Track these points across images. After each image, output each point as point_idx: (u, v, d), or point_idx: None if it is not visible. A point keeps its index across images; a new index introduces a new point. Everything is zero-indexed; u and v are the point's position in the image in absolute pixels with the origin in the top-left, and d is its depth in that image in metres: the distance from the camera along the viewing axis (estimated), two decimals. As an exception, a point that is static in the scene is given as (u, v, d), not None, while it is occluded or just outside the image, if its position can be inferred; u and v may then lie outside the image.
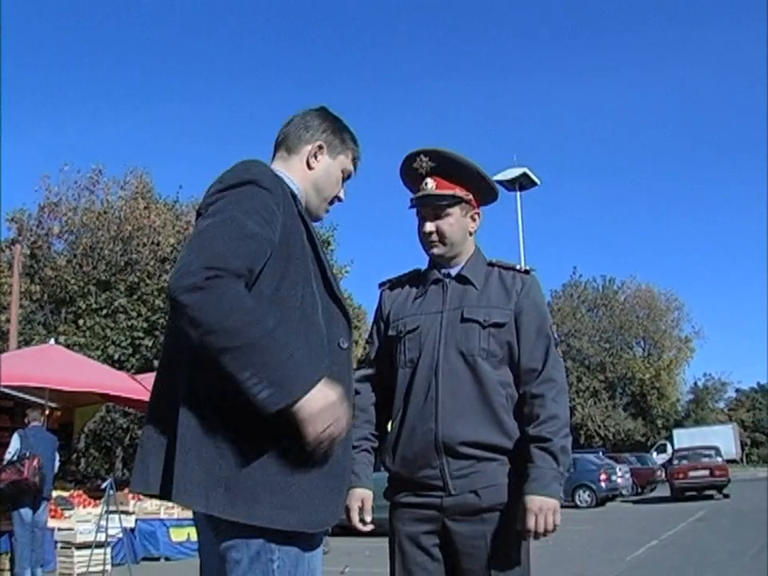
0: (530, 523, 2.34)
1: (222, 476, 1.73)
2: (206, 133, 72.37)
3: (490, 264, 2.66)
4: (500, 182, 30.88)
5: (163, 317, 22.60)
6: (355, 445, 2.51)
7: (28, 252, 24.10)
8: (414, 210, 2.65)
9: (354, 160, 2.24)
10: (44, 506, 9.43)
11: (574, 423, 43.84)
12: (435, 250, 2.61)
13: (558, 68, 78.99)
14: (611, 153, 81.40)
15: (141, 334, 22.87)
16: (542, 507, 2.34)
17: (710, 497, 22.32)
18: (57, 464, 9.98)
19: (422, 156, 2.58)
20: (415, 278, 2.71)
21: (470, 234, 2.66)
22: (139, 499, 12.29)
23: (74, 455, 20.01)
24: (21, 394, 12.20)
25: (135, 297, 23.70)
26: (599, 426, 46.42)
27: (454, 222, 2.59)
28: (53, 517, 10.40)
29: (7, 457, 9.08)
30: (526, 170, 32.54)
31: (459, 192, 2.58)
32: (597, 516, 18.73)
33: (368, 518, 2.51)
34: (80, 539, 10.19)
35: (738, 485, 24.92)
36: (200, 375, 1.77)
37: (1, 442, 10.75)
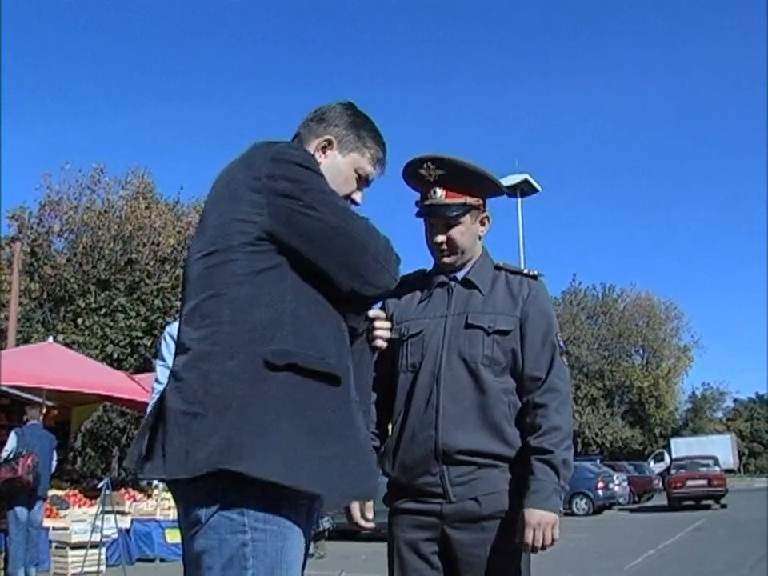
0: (529, 537, 2.32)
1: (279, 443, 1.70)
2: (208, 133, 72.49)
3: (497, 268, 2.61)
4: (501, 188, 30.86)
5: (162, 317, 22.62)
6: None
7: (28, 250, 24.08)
8: (419, 215, 2.60)
9: (376, 161, 2.10)
10: (39, 505, 9.40)
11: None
12: (446, 260, 2.57)
13: (560, 73, 79.18)
14: (613, 160, 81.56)
15: (140, 334, 22.84)
16: (540, 521, 2.32)
17: (708, 507, 22.31)
18: (54, 463, 9.95)
19: (429, 163, 2.51)
20: (420, 279, 2.66)
21: (479, 238, 2.63)
22: (135, 500, 12.26)
23: (71, 454, 19.98)
24: (18, 392, 12.16)
25: (135, 296, 23.67)
26: (597, 434, 46.37)
27: (465, 231, 2.54)
28: (48, 516, 10.37)
29: (3, 455, 9.04)
30: (527, 176, 32.56)
31: (469, 200, 2.53)
32: (594, 524, 18.69)
33: (369, 515, 2.49)
34: (75, 539, 10.15)
35: (735, 495, 24.91)
36: (244, 348, 1.74)
37: (-2, 439, 10.71)
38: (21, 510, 9.08)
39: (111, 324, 23.06)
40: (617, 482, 24.70)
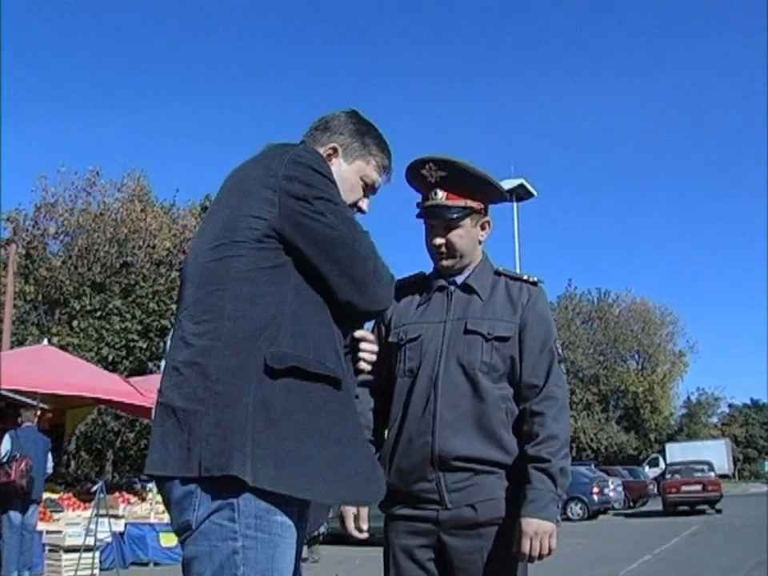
0: (526, 547, 2.30)
1: (271, 448, 1.68)
2: (204, 136, 72.40)
3: (497, 273, 2.60)
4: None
5: (157, 320, 22.59)
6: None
7: (23, 252, 24.04)
8: (420, 216, 2.59)
9: (381, 169, 2.10)
10: (33, 509, 9.38)
11: (567, 435, 43.67)
12: (444, 262, 2.55)
13: (557, 77, 79.32)
14: (609, 165, 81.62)
15: (135, 337, 22.80)
16: (537, 531, 2.30)
17: (702, 512, 22.36)
18: (51, 465, 9.93)
19: (431, 164, 2.50)
20: (419, 283, 2.64)
21: (480, 242, 2.61)
22: (129, 503, 12.23)
23: (65, 457, 19.92)
24: (13, 395, 12.12)
25: (130, 299, 23.64)
26: (592, 439, 46.37)
27: (465, 234, 2.52)
28: (41, 519, 10.32)
29: (-3, 459, 9.01)
30: (523, 180, 32.59)
31: (470, 203, 2.51)
32: (589, 529, 18.69)
33: (364, 526, 2.47)
34: (68, 542, 10.10)
35: (730, 500, 24.93)
36: (244, 347, 1.73)
37: (-8, 442, 10.66)
38: (14, 514, 9.06)
39: (106, 327, 23.01)
40: (612, 486, 24.71)
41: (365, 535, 2.47)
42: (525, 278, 2.58)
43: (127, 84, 63.91)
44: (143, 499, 12.65)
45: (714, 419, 63.18)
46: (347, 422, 1.81)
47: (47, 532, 10.45)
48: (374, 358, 2.03)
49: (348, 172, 2.04)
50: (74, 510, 11.44)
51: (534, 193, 33.96)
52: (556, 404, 2.42)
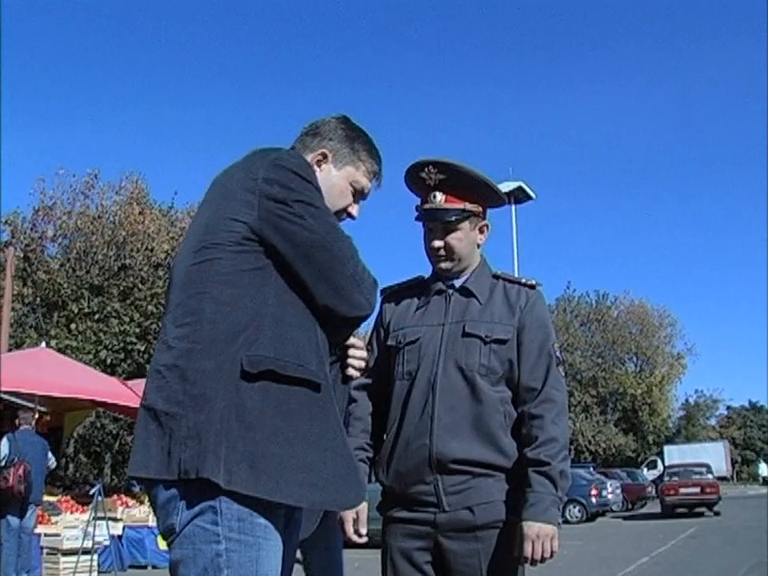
0: (528, 550, 2.30)
1: (247, 451, 1.69)
2: (202, 139, 72.40)
3: (495, 276, 2.60)
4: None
5: (156, 322, 22.55)
6: (351, 454, 2.48)
7: (21, 255, 23.97)
8: (419, 221, 2.59)
9: (371, 175, 2.10)
10: (32, 511, 9.38)
11: (565, 437, 43.63)
12: (443, 265, 2.55)
13: (555, 81, 79.35)
14: (607, 168, 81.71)
15: (133, 339, 22.78)
16: (539, 534, 2.30)
17: (701, 514, 22.33)
18: (53, 463, 9.94)
19: (430, 167, 2.50)
20: (418, 287, 2.65)
21: (478, 246, 2.61)
22: (127, 506, 12.22)
23: (63, 460, 19.90)
24: (10, 398, 12.11)
25: (128, 302, 23.61)
26: (590, 441, 46.35)
27: (463, 237, 2.53)
28: (40, 522, 10.32)
29: (-5, 463, 9.01)
30: (521, 183, 32.56)
31: (469, 206, 2.52)
32: (587, 531, 18.66)
33: (363, 530, 2.46)
34: (66, 545, 10.09)
35: (728, 502, 24.92)
36: (222, 349, 1.74)
37: (-11, 444, 10.65)
38: (12, 518, 9.05)
39: (104, 329, 22.99)
40: (610, 489, 24.68)
41: (364, 539, 2.47)
42: (523, 281, 2.59)
43: (125, 87, 63.89)
44: (141, 502, 12.62)
45: (713, 421, 63.18)
46: (326, 425, 1.80)
47: (45, 535, 10.44)
48: (362, 364, 2.04)
49: (338, 177, 2.05)
50: (72, 512, 11.43)
51: (533, 195, 33.93)
52: (555, 407, 2.42)
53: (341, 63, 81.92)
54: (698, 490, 22.38)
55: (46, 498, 10.89)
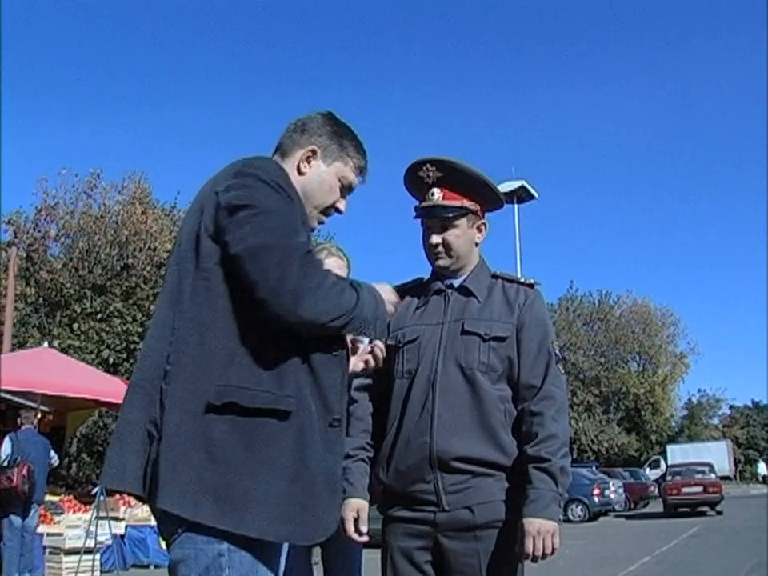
0: (529, 546, 2.30)
1: (212, 482, 1.68)
2: (205, 138, 72.39)
3: (494, 276, 2.61)
4: (498, 194, 30.93)
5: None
6: (351, 454, 2.48)
7: (24, 254, 24.00)
8: (418, 219, 2.60)
9: (358, 170, 2.12)
10: (34, 510, 9.39)
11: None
12: (441, 262, 2.56)
13: (558, 80, 79.25)
14: (610, 167, 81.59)
15: (136, 339, 22.78)
16: (540, 530, 2.30)
17: (703, 513, 22.31)
18: (56, 461, 9.96)
19: (428, 165, 2.52)
20: (417, 288, 2.66)
21: (476, 244, 2.62)
22: (130, 505, 12.23)
23: (66, 460, 19.93)
24: (13, 397, 12.14)
25: (131, 301, 23.64)
26: (593, 441, 46.30)
27: (461, 234, 2.54)
28: (42, 522, 10.33)
29: (-2, 462, 9.02)
30: (524, 182, 32.58)
31: (466, 203, 2.53)
32: (589, 531, 18.66)
33: (364, 529, 2.45)
34: (69, 545, 10.10)
35: (731, 502, 24.90)
36: (193, 375, 1.74)
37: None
38: (15, 518, 9.07)
39: (107, 329, 23.03)
40: (613, 488, 24.66)
41: (364, 538, 2.46)
42: (522, 280, 2.60)
43: (128, 86, 63.95)
44: (143, 502, 12.64)
45: (715, 421, 63.09)
46: (296, 455, 1.76)
47: (48, 534, 10.46)
48: (372, 364, 2.06)
49: (327, 173, 2.06)
50: (74, 512, 11.45)
51: (535, 194, 33.96)
52: (554, 404, 2.42)
53: (344, 64, 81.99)
54: (700, 489, 22.36)
55: (48, 497, 10.91)
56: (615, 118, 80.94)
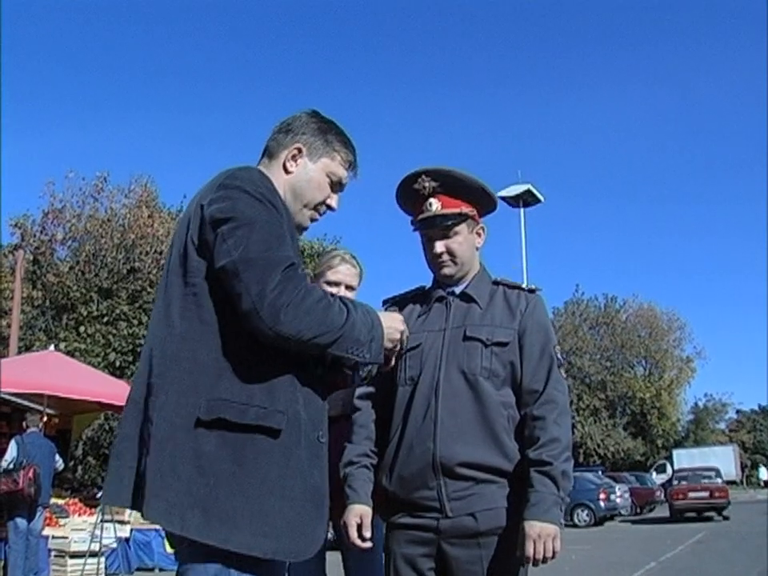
0: (530, 550, 2.29)
1: (200, 496, 1.68)
2: (211, 142, 72.59)
3: (495, 282, 2.62)
4: (504, 198, 31.02)
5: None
6: (354, 461, 2.49)
7: (31, 258, 24.11)
8: (417, 230, 2.60)
9: (347, 164, 2.09)
10: (39, 514, 9.40)
11: (573, 441, 43.27)
12: (446, 270, 2.56)
13: (564, 84, 79.27)
14: (616, 171, 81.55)
15: (142, 342, 22.76)
16: (541, 533, 2.29)
17: (710, 518, 22.21)
18: (61, 465, 9.98)
19: (423, 176, 2.51)
20: (419, 296, 2.66)
21: (477, 249, 2.63)
22: (135, 509, 12.22)
23: (71, 463, 19.95)
24: (19, 400, 12.15)
25: (137, 305, 23.69)
26: (599, 445, 46.23)
27: (463, 241, 2.55)
28: (48, 525, 10.34)
29: (3, 465, 9.04)
30: (530, 186, 32.61)
31: (465, 209, 2.54)
32: (595, 536, 18.61)
33: (367, 535, 2.44)
34: (74, 548, 10.13)
35: (737, 507, 24.78)
36: (184, 389, 1.74)
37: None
38: (21, 521, 9.08)
39: (113, 332, 23.07)
40: (619, 493, 24.62)
41: (368, 544, 2.44)
42: (522, 286, 2.60)
43: (135, 90, 64.16)
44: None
45: (722, 425, 62.99)
46: (285, 471, 1.76)
47: (53, 537, 10.47)
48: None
49: (314, 171, 2.03)
50: (79, 515, 11.44)
51: (541, 198, 33.98)
52: (556, 408, 2.42)
53: (352, 67, 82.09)
54: (707, 494, 22.26)
55: (53, 500, 10.91)
56: (621, 122, 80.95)
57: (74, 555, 10.08)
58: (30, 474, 8.88)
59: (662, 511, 25.70)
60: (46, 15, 55.32)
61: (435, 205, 2.52)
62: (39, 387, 10.99)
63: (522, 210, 33.45)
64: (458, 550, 2.37)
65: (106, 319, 23.45)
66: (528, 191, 32.47)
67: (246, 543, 1.68)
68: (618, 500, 24.44)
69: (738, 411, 65.39)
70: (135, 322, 23.17)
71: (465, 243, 2.55)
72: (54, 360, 12.51)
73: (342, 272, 3.10)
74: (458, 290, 2.59)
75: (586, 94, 79.58)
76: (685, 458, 38.83)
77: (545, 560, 2.32)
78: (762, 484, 49.91)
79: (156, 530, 11.87)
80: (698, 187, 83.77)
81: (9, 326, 19.05)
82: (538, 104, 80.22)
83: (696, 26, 79.84)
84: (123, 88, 64.13)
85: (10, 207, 41.47)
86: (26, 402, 12.02)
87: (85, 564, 9.53)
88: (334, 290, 3.00)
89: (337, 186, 2.09)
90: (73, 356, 17.04)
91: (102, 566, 9.94)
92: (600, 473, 30.17)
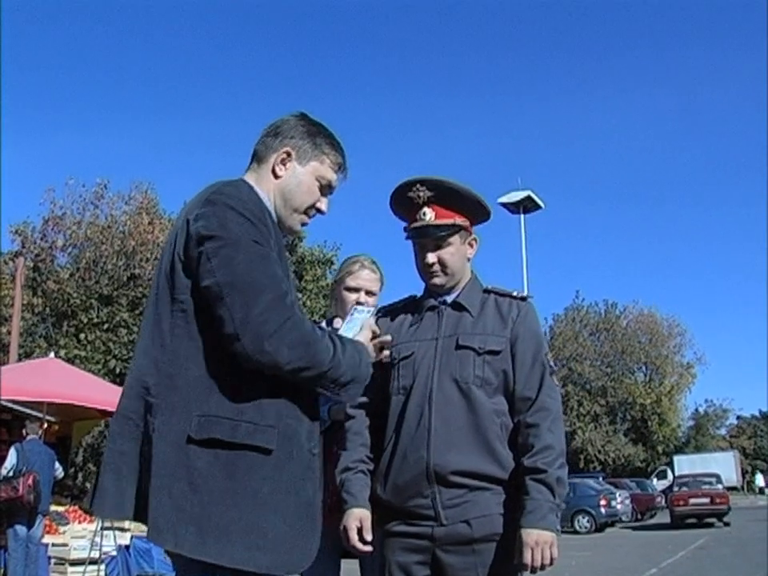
0: (527, 557, 2.30)
1: (194, 513, 1.68)
2: (212, 149, 72.62)
3: (486, 291, 2.63)
4: (504, 205, 31.04)
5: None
6: (351, 467, 2.50)
7: (31, 265, 24.11)
8: (410, 239, 2.61)
9: (336, 167, 2.08)
10: (39, 521, 9.38)
11: (574, 447, 43.66)
12: (437, 280, 2.57)
13: (563, 89, 79.34)
14: (616, 177, 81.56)
15: (141, 349, 22.83)
16: (538, 541, 2.30)
17: (711, 524, 22.18)
18: (60, 473, 9.97)
19: (418, 185, 2.52)
20: (410, 305, 2.68)
21: (468, 260, 2.64)
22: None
23: (72, 469, 19.94)
24: (19, 407, 12.15)
25: (137, 312, 23.67)
26: (599, 451, 46.19)
27: (455, 252, 2.56)
28: (47, 532, 10.32)
29: (3, 472, 9.03)
30: (530, 192, 32.56)
31: (458, 220, 2.55)
32: (596, 542, 18.59)
33: (368, 537, 2.43)
34: (74, 555, 10.10)
35: (738, 513, 24.75)
36: (177, 406, 1.75)
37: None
38: (20, 528, 9.07)
39: (114, 339, 23.08)
40: (619, 499, 24.58)
41: (369, 548, 2.44)
42: (514, 294, 2.61)
43: (135, 97, 64.24)
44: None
45: (723, 431, 62.88)
46: (278, 485, 1.77)
47: (53, 545, 10.43)
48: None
49: (303, 174, 2.02)
50: (79, 522, 11.42)
51: (542, 205, 33.89)
52: (550, 415, 2.43)
53: (350, 73, 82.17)
54: (707, 500, 22.26)
55: (53, 507, 10.90)
56: (621, 128, 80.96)
57: (73, 563, 10.06)
58: (30, 482, 8.87)
59: (663, 517, 25.66)
60: (47, 22, 55.47)
61: (429, 215, 2.53)
62: (39, 394, 11.00)
63: (522, 216, 33.42)
64: (453, 557, 2.37)
65: (106, 326, 23.46)
66: (528, 197, 32.40)
67: (241, 558, 1.69)
68: (619, 506, 24.41)
69: (738, 417, 65.30)
70: (135, 329, 23.12)
71: (456, 254, 2.56)
72: (54, 367, 12.51)
73: (362, 277, 3.11)
74: (449, 298, 2.60)
75: (586, 99, 79.70)
76: (685, 464, 38.76)
77: (542, 567, 2.33)
78: (757, 490, 49.82)
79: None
80: (698, 193, 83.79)
81: (9, 333, 19.05)
82: (538, 110, 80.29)
83: (696, 31, 79.95)
84: (123, 94, 64.26)
85: (11, 214, 41.54)
86: (25, 409, 12.02)
87: (85, 572, 9.52)
88: (354, 295, 3.03)
89: (326, 189, 2.08)
90: (73, 363, 17.05)
91: (102, 573, 9.92)
92: (600, 479, 30.10)
